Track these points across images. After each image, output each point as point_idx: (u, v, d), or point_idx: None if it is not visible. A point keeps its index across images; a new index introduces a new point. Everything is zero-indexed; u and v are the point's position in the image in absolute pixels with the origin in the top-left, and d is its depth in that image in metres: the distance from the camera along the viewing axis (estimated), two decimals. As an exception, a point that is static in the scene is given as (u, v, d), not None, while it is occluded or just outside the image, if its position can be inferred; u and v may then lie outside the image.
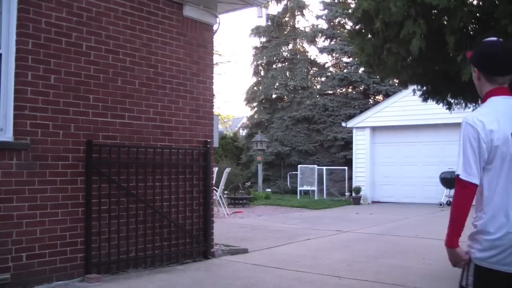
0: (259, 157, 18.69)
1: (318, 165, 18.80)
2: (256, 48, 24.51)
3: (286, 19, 24.51)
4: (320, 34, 23.11)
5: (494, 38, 2.38)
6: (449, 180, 13.60)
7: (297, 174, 18.64)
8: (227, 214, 12.00)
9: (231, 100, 53.54)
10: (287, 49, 24.12)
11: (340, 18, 21.35)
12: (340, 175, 18.55)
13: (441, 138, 15.25)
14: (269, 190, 19.60)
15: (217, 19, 6.68)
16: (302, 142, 21.27)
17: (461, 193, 2.16)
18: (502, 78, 2.28)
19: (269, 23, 23.89)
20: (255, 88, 24.12)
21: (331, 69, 23.46)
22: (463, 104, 5.84)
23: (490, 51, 2.31)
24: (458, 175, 2.16)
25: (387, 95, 19.42)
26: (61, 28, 4.97)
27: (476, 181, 2.15)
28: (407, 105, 14.69)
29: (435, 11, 3.99)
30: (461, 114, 9.54)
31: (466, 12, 3.75)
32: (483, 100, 2.33)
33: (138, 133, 5.67)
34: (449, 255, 2.24)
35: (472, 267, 2.18)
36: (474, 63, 2.36)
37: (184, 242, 6.09)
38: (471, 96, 5.13)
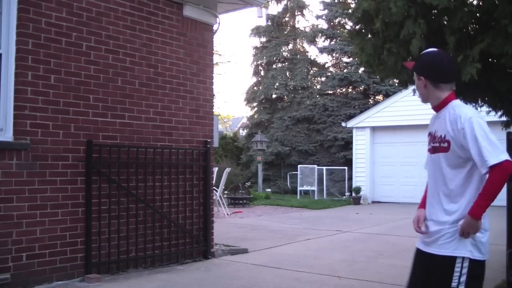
0: (259, 157, 18.70)
1: (318, 165, 18.80)
2: (256, 48, 24.51)
3: (286, 19, 24.51)
4: (320, 34, 23.11)
5: (435, 49, 2.54)
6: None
7: (297, 174, 18.64)
8: (227, 214, 12.01)
9: (231, 100, 53.55)
10: (287, 49, 24.13)
11: (340, 18, 21.34)
12: (340, 175, 18.55)
13: (441, 138, 15.24)
14: (269, 190, 19.60)
15: (217, 19, 6.68)
16: (302, 142, 21.27)
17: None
18: (449, 85, 2.47)
19: (269, 23, 23.90)
20: (255, 88, 24.13)
21: (331, 69, 23.46)
22: (463, 104, 5.84)
23: (436, 61, 2.48)
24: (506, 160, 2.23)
25: (387, 95, 19.42)
26: (61, 28, 4.97)
27: None
28: (407, 105, 14.67)
29: (435, 11, 3.99)
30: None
31: (466, 12, 3.75)
32: (442, 106, 2.47)
33: (138, 133, 5.67)
34: (473, 225, 2.31)
35: None
36: (420, 72, 2.50)
37: (184, 242, 6.10)
38: (471, 96, 5.13)
